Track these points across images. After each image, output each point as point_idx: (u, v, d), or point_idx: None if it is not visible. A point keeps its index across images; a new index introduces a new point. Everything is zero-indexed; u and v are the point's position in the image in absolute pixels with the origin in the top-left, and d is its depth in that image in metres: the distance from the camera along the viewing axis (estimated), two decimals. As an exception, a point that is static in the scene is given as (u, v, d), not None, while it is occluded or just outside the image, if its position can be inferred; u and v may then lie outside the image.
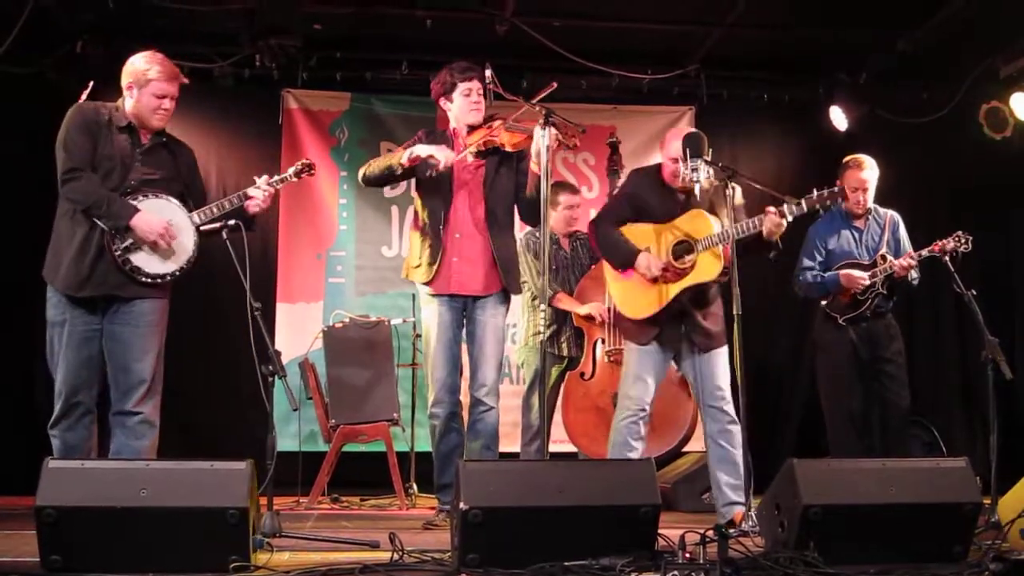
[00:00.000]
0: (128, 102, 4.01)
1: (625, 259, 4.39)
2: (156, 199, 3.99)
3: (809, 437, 6.18)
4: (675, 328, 4.37)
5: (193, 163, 4.29)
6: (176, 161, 4.15)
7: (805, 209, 4.17)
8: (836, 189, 4.19)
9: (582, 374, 5.27)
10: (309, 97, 6.77)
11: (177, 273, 4.02)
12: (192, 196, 4.18)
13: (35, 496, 2.83)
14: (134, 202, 3.93)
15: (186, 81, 4.14)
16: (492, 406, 4.38)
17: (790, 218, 4.17)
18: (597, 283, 5.26)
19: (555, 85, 4.06)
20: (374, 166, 4.42)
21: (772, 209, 4.16)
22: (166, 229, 3.94)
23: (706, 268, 4.26)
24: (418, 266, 4.41)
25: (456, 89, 4.39)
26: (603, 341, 5.22)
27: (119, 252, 3.90)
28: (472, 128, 4.39)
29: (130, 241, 3.91)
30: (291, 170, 4.38)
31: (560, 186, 5.58)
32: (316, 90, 6.74)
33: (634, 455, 4.30)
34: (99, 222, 3.89)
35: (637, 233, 4.41)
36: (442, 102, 4.49)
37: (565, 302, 5.31)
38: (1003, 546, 3.23)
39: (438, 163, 4.23)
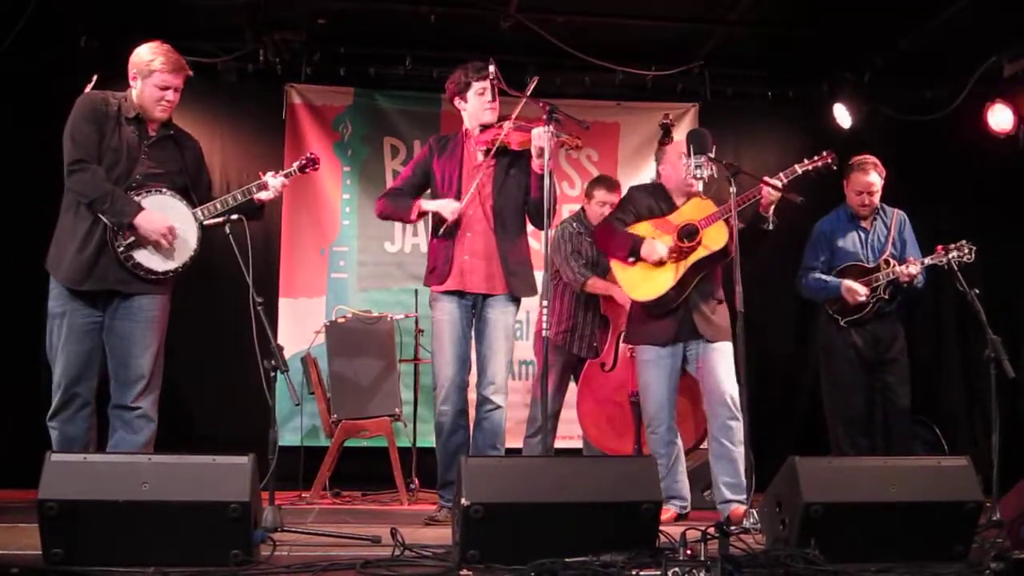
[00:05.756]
0: (133, 92, 4.02)
1: (631, 248, 4.48)
2: (160, 196, 4.00)
3: (811, 435, 6.17)
4: (686, 323, 4.46)
5: (200, 156, 4.29)
6: (183, 155, 4.16)
7: (799, 172, 4.33)
8: (825, 153, 4.36)
9: (603, 364, 5.24)
10: (312, 92, 6.75)
11: (179, 270, 4.03)
12: (197, 190, 4.18)
13: (37, 489, 2.84)
14: (138, 198, 3.93)
15: (191, 73, 4.14)
16: (500, 405, 4.37)
17: (785, 181, 4.30)
18: None
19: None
20: (390, 209, 4.51)
21: (767, 178, 4.31)
22: (169, 229, 3.94)
23: (712, 240, 4.36)
24: (433, 269, 4.42)
25: (471, 88, 4.40)
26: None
27: (121, 248, 3.90)
28: (485, 127, 4.39)
29: (132, 238, 3.91)
30: (295, 165, 4.40)
31: (599, 180, 5.59)
32: (319, 85, 6.72)
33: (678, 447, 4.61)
34: (102, 217, 3.89)
35: (643, 229, 4.54)
36: (456, 102, 4.49)
37: (599, 285, 5.24)
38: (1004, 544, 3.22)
39: (447, 219, 4.32)
